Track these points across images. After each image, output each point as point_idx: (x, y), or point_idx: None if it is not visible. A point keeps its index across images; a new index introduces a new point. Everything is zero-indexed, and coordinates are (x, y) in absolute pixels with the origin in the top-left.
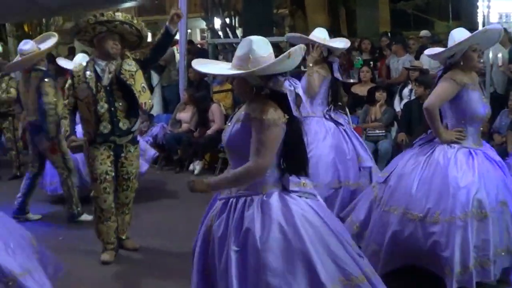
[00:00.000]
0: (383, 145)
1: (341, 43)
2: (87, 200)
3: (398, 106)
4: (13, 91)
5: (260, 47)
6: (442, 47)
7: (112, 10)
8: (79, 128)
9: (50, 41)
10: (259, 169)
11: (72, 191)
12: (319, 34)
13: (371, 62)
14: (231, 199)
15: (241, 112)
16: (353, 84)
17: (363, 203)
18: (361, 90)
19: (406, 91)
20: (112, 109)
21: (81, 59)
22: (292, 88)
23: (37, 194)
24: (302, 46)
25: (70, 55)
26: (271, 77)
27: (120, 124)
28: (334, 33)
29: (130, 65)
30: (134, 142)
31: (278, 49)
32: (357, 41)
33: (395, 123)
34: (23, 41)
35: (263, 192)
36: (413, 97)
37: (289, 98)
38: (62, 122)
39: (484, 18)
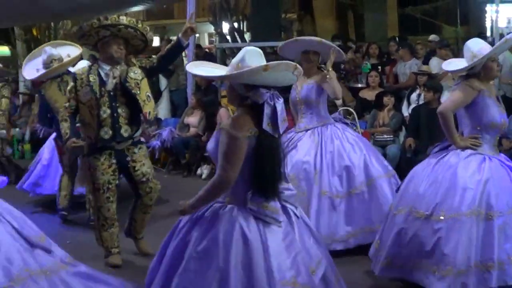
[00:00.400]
0: (391, 150)
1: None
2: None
3: (406, 111)
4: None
5: (252, 57)
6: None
7: (117, 14)
8: None
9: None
10: (223, 182)
11: None
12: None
13: (379, 67)
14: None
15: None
16: (361, 88)
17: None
18: (369, 95)
19: (414, 96)
20: (115, 114)
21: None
22: (272, 103)
23: (43, 198)
24: (290, 63)
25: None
26: (252, 88)
27: (122, 131)
28: (342, 37)
29: (136, 73)
30: (137, 143)
31: None
32: (365, 46)
33: (403, 128)
34: (48, 48)
35: (226, 203)
36: (421, 102)
37: (265, 111)
38: (62, 125)
39: (492, 23)
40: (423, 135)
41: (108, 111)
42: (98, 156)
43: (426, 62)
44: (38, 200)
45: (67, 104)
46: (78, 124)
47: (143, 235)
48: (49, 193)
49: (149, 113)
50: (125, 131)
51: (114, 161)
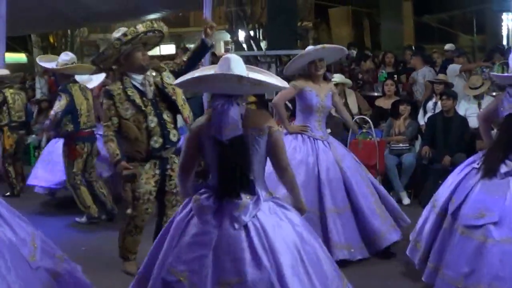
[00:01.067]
0: (407, 159)
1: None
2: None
3: (422, 120)
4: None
5: (235, 65)
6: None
7: (134, 25)
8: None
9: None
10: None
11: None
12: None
13: (395, 76)
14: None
15: None
16: (377, 97)
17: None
18: (385, 104)
19: (430, 104)
20: (162, 121)
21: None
22: (221, 111)
23: (60, 203)
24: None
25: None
26: (213, 96)
27: (171, 136)
28: (358, 46)
29: (169, 78)
30: (178, 152)
31: None
32: (381, 55)
33: (419, 137)
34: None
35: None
36: (437, 111)
37: (212, 119)
38: (109, 145)
39: (508, 32)
40: (439, 143)
41: (155, 119)
42: (144, 163)
43: (442, 71)
44: (55, 205)
45: (109, 123)
46: None
47: None
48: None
49: (189, 117)
50: (173, 135)
51: (157, 171)
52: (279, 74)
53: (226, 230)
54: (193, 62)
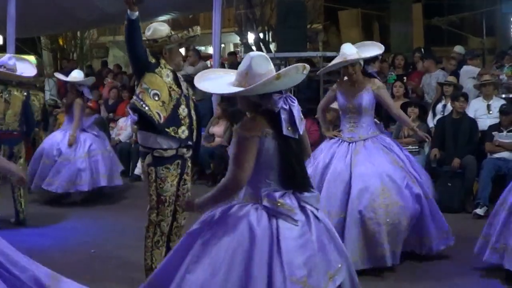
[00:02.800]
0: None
1: (374, 50)
2: None
3: (431, 122)
4: None
5: (259, 64)
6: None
7: (191, 28)
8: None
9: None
10: (232, 183)
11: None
12: (350, 50)
13: (404, 78)
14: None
15: None
16: None
17: None
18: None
19: (439, 106)
20: (191, 116)
21: (76, 74)
22: (287, 107)
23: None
24: (299, 65)
25: (104, 68)
26: (265, 95)
27: (193, 136)
28: None
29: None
30: (191, 156)
31: (311, 64)
32: (391, 57)
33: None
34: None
35: (244, 201)
36: (446, 113)
37: (282, 117)
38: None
39: None
40: (449, 145)
41: (186, 110)
42: (169, 166)
43: (452, 73)
44: (69, 209)
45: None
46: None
47: None
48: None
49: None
50: (195, 136)
51: (179, 171)
52: None
53: (313, 224)
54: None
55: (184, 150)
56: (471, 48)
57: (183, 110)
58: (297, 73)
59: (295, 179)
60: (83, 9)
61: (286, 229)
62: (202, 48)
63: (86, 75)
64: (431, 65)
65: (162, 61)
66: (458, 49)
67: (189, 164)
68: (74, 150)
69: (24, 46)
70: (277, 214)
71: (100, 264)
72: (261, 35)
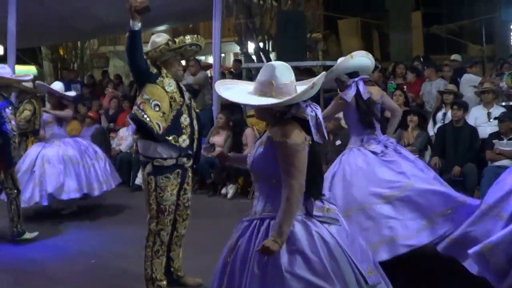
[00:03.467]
0: None
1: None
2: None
3: (431, 130)
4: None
5: (283, 73)
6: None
7: (183, 35)
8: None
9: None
10: (300, 191)
11: (20, 210)
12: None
13: (405, 87)
14: (255, 220)
15: (264, 135)
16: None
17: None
18: None
19: (440, 115)
20: (193, 125)
21: (60, 87)
22: (314, 114)
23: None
24: (324, 73)
25: (105, 78)
26: (293, 104)
27: (195, 144)
28: None
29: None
30: (192, 166)
31: (311, 73)
32: (391, 65)
33: (429, 147)
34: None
35: (263, 214)
36: (446, 121)
37: (311, 123)
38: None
39: None
40: (449, 154)
41: (188, 120)
42: (169, 175)
43: (452, 81)
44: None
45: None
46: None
47: (183, 271)
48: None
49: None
50: (196, 146)
51: (179, 180)
52: None
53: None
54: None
55: (185, 159)
56: (470, 55)
57: (185, 119)
58: (323, 80)
59: (319, 186)
60: (83, 19)
61: (337, 234)
62: (202, 58)
63: (87, 85)
64: (432, 74)
65: (164, 71)
66: (455, 57)
67: (190, 174)
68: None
69: (24, 56)
70: (328, 221)
71: (101, 274)
72: (261, 44)
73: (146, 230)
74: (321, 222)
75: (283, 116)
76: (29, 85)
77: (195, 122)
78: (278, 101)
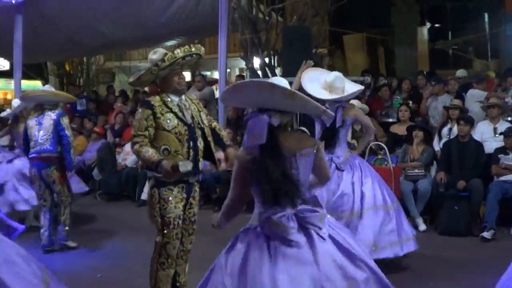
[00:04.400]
0: (423, 185)
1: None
2: None
3: (437, 146)
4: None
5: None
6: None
7: (172, 51)
8: None
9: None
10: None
11: (71, 216)
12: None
13: (410, 102)
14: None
15: None
16: (392, 123)
17: None
18: (399, 130)
19: (445, 130)
20: (196, 147)
21: (18, 104)
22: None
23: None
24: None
25: (110, 94)
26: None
27: (200, 164)
28: (372, 72)
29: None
30: (199, 180)
31: None
32: (397, 81)
33: (435, 163)
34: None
35: (253, 223)
36: (452, 136)
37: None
38: (146, 150)
39: None
40: (455, 169)
41: (191, 143)
42: (172, 187)
43: (457, 97)
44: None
45: (146, 133)
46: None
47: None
48: None
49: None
50: (201, 164)
51: (185, 195)
52: None
53: (317, 246)
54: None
55: (189, 177)
56: (475, 70)
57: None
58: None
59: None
60: (89, 35)
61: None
62: (208, 73)
63: (91, 100)
64: (440, 90)
65: (162, 94)
66: (461, 73)
67: (197, 189)
68: None
69: (30, 71)
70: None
71: None
72: (266, 59)
73: (152, 245)
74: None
75: None
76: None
77: (199, 141)
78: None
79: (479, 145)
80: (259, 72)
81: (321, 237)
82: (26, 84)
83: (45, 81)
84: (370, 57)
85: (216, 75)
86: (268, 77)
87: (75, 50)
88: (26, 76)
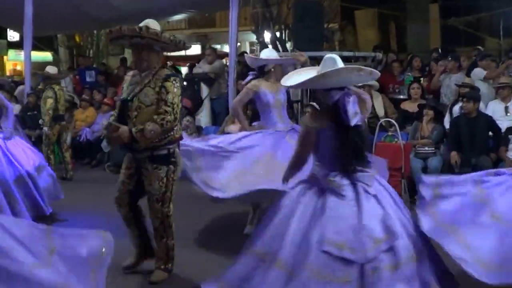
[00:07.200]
0: (432, 162)
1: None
2: None
3: (448, 124)
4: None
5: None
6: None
7: (138, 26)
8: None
9: None
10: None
11: None
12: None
13: (421, 79)
14: (302, 184)
15: None
16: (403, 100)
17: None
18: (410, 107)
19: (456, 108)
20: (131, 121)
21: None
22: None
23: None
24: (340, 68)
25: (122, 66)
26: (323, 92)
27: (135, 144)
28: (383, 48)
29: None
30: (155, 160)
31: None
32: (408, 58)
33: (445, 140)
34: None
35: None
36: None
37: (340, 109)
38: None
39: None
40: (465, 146)
41: (120, 116)
42: (127, 155)
43: (469, 73)
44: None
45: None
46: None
47: (158, 265)
48: None
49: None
50: (138, 145)
51: (134, 165)
52: None
53: (363, 200)
54: None
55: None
56: (488, 49)
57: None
58: (336, 75)
59: (345, 160)
60: (99, 8)
61: (332, 203)
62: (218, 46)
63: (100, 72)
64: (454, 67)
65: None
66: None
67: (147, 168)
68: None
69: (40, 43)
70: (330, 190)
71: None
72: (277, 34)
73: None
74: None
75: (322, 103)
76: (54, 71)
77: (133, 115)
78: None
79: (489, 119)
80: (270, 46)
81: (368, 193)
82: (35, 55)
83: (55, 53)
84: (381, 33)
85: (226, 48)
86: (279, 51)
87: (85, 23)
88: (36, 47)
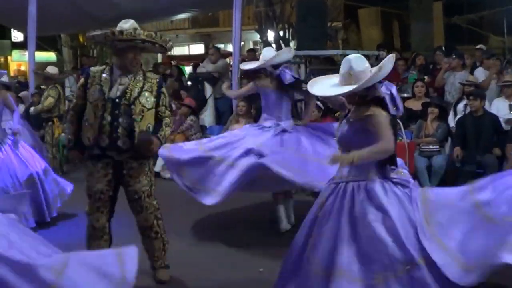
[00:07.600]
0: (437, 161)
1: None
2: None
3: (452, 122)
4: (49, 99)
5: (357, 64)
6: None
7: (134, 29)
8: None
9: None
10: (389, 148)
11: None
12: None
13: (425, 77)
14: (341, 183)
15: (350, 115)
16: (407, 98)
17: None
18: (414, 105)
19: (460, 106)
20: (115, 123)
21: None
22: (388, 92)
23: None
24: (393, 55)
25: None
26: (371, 86)
27: (119, 143)
28: (387, 47)
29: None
30: (138, 157)
31: (331, 62)
32: (411, 56)
33: (449, 139)
34: None
35: (368, 178)
36: (467, 112)
37: (386, 100)
38: (68, 127)
39: None
40: (470, 144)
41: (109, 118)
42: (96, 162)
43: (472, 72)
44: None
45: (73, 104)
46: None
47: (160, 264)
48: None
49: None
50: (123, 143)
51: (110, 171)
52: (308, 74)
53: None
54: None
55: (112, 152)
56: (491, 47)
57: (104, 119)
58: (389, 62)
59: (393, 154)
60: (102, 8)
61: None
62: (222, 46)
63: None
64: (458, 65)
65: (107, 67)
66: (480, 46)
67: (132, 165)
68: None
69: (44, 43)
70: (402, 182)
71: None
72: (281, 32)
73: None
74: (395, 183)
75: (365, 98)
76: (54, 71)
77: (122, 119)
78: (354, 87)
79: (494, 118)
80: (273, 45)
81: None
82: (39, 55)
83: (59, 53)
84: (385, 32)
85: (230, 47)
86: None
87: (87, 23)
88: (40, 48)
